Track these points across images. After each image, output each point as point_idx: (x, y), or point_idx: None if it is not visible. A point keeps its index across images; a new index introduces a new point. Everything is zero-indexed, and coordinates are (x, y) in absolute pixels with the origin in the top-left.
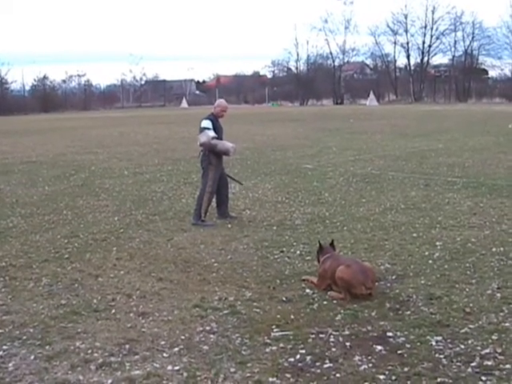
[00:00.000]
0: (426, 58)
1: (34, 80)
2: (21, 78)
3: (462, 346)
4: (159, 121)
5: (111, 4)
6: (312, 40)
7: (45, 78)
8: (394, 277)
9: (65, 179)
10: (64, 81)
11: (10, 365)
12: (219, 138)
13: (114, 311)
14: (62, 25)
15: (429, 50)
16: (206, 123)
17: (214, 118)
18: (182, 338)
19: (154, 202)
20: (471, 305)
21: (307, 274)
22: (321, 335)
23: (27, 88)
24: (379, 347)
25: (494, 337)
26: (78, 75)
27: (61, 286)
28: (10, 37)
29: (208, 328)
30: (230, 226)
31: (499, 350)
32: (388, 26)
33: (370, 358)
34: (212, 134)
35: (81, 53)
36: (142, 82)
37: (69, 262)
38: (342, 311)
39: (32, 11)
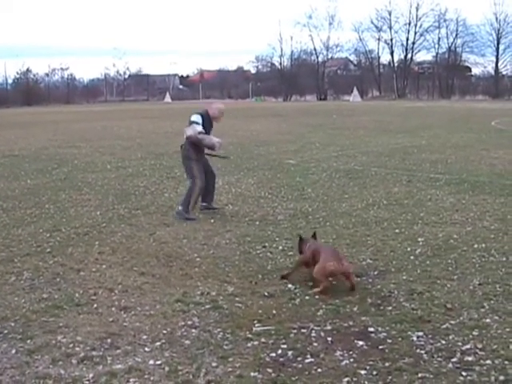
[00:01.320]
0: (409, 55)
1: (17, 73)
2: (3, 71)
3: (443, 342)
4: (142, 115)
5: None
6: (296, 36)
7: (28, 71)
8: (375, 272)
9: (47, 173)
10: (47, 74)
11: None
12: (207, 133)
13: (95, 305)
14: (46, 18)
15: (412, 47)
16: (196, 117)
17: (206, 115)
18: (164, 332)
19: (137, 197)
20: (452, 301)
21: (289, 269)
22: (302, 330)
23: (10, 81)
24: (360, 342)
25: (474, 332)
26: (62, 69)
27: (42, 280)
28: None
29: (190, 322)
30: (212, 220)
31: (480, 346)
32: (372, 23)
33: (351, 353)
34: (199, 128)
35: (64, 46)
36: (126, 77)
37: (51, 256)
38: (323, 306)
39: (14, 3)
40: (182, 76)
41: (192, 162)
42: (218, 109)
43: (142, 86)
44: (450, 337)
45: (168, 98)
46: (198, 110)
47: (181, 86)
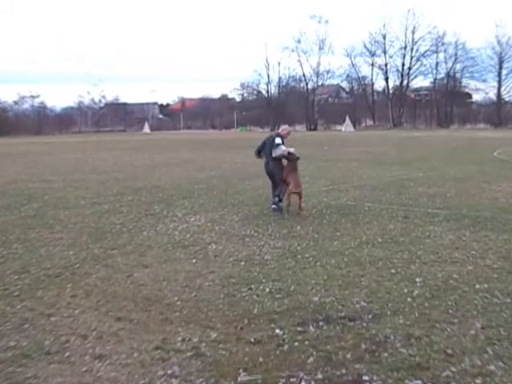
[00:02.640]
0: (405, 81)
1: None
2: None
3: None
4: (119, 147)
5: (67, 20)
6: (284, 61)
7: None
8: (370, 316)
9: (15, 209)
10: (16, 102)
11: None
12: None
13: (67, 354)
14: (14, 42)
15: (408, 73)
16: (279, 140)
17: (282, 136)
18: (142, 382)
19: (113, 235)
20: (453, 346)
21: (277, 313)
22: (291, 379)
23: None
24: None
25: (477, 380)
26: (32, 96)
27: (9, 326)
28: None
29: (170, 372)
30: (194, 261)
31: None
32: (365, 47)
33: None
34: (284, 147)
35: (34, 72)
36: (101, 105)
37: (19, 300)
38: (314, 353)
39: None
40: (161, 104)
41: (281, 171)
42: (285, 130)
43: (118, 116)
44: None
45: (147, 129)
46: (272, 133)
47: (160, 116)
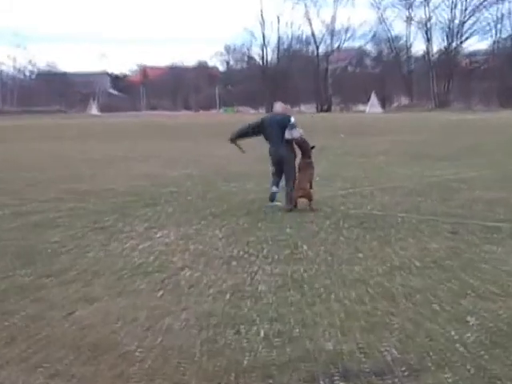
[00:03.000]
0: (454, 43)
1: None
2: None
3: None
4: (56, 134)
5: None
6: (286, 16)
7: None
8: (404, 370)
9: None
10: None
11: None
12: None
13: None
14: None
15: (459, 31)
16: (294, 120)
17: (288, 114)
18: None
19: (47, 258)
20: None
21: (275, 366)
22: None
23: None
24: None
25: None
26: None
27: None
28: None
29: None
30: (161, 292)
31: None
32: None
33: None
34: (301, 131)
35: None
36: (31, 75)
37: None
38: None
39: None
40: (115, 76)
41: (294, 161)
42: (282, 107)
43: (55, 90)
44: None
45: (94, 109)
46: (275, 114)
47: (113, 91)
